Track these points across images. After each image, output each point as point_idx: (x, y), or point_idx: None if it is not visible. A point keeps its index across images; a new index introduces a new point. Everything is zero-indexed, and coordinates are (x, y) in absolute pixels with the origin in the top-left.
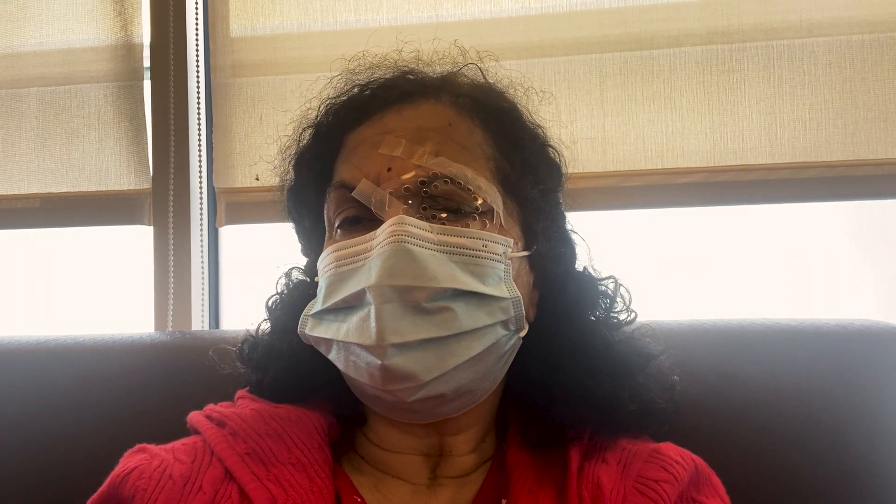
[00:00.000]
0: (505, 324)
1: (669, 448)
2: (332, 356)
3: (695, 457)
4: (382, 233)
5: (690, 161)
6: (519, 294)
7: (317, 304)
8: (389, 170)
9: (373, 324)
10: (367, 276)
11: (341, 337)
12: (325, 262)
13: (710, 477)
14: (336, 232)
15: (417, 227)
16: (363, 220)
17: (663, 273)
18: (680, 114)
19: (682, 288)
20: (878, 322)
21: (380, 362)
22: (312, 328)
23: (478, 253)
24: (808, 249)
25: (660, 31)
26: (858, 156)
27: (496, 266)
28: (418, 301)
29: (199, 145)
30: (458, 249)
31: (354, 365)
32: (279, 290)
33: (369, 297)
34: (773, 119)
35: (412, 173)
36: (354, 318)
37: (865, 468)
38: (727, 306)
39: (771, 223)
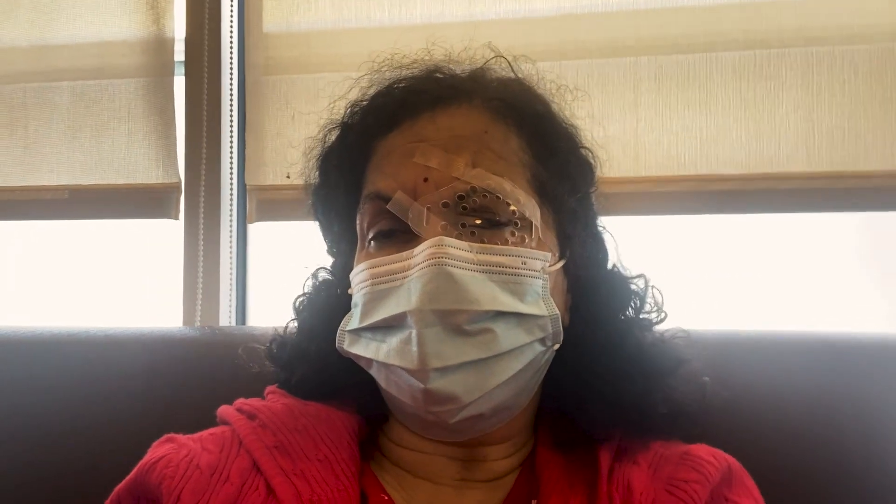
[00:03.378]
0: (543, 340)
1: (701, 449)
2: (373, 372)
3: (729, 458)
4: (421, 254)
5: (725, 168)
6: (557, 311)
7: (353, 321)
8: (426, 180)
9: (415, 348)
10: (407, 299)
11: (381, 358)
12: (359, 277)
13: (743, 478)
14: (370, 244)
15: (457, 248)
16: (397, 231)
17: (694, 280)
18: (715, 120)
19: (712, 296)
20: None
21: (422, 386)
22: (350, 345)
23: (517, 271)
24: (843, 260)
25: (697, 35)
26: None
27: (534, 283)
28: (460, 324)
29: (231, 142)
30: (498, 268)
31: (396, 385)
32: (306, 291)
33: (410, 320)
34: (811, 127)
35: (449, 186)
36: (394, 340)
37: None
38: (757, 315)
39: (807, 232)
